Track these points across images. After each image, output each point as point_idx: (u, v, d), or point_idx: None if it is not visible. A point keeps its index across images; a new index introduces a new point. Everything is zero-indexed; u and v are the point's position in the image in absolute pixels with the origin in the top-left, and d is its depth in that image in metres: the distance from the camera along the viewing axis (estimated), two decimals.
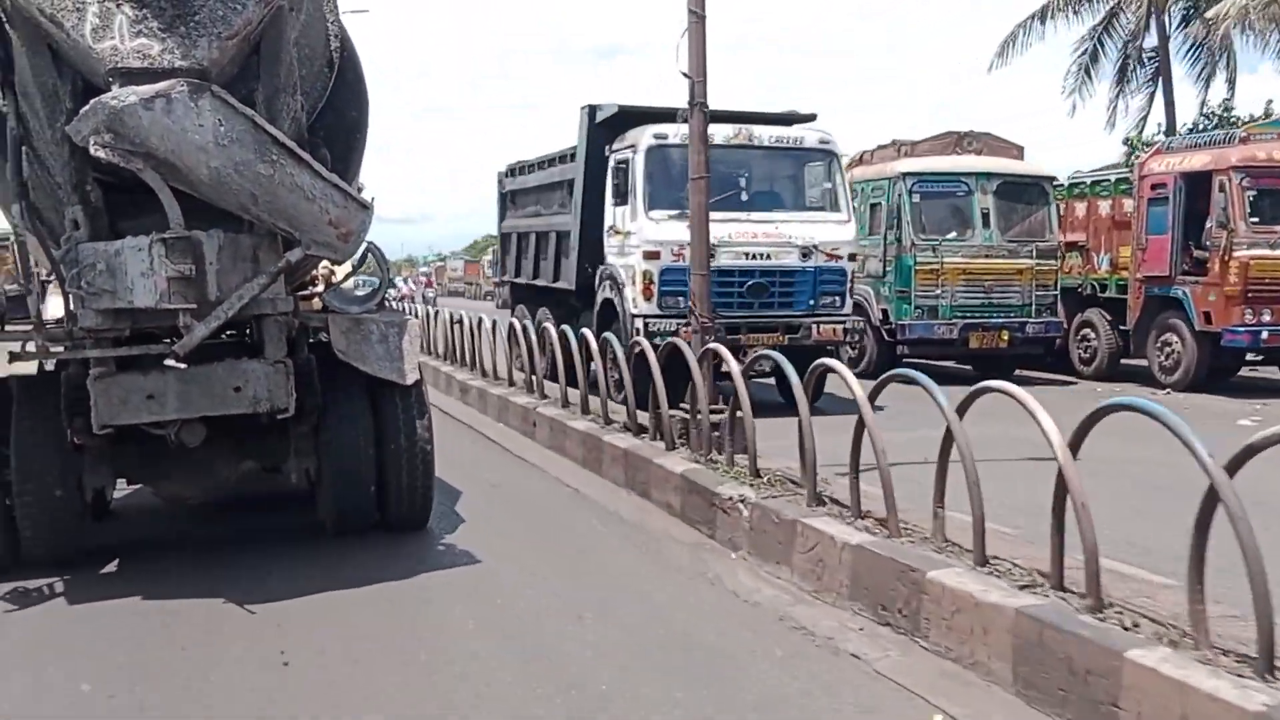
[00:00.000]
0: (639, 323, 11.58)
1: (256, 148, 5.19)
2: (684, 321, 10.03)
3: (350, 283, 8.60)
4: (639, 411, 8.87)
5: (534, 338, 11.93)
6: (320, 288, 8.10)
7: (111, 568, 6.39)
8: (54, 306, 6.63)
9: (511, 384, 12.70)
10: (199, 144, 5.06)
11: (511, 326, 12.84)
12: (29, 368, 6.08)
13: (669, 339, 9.02)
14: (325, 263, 7.18)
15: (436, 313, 18.10)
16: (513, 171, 16.95)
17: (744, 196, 12.06)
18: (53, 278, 6.68)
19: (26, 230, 5.44)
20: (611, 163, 12.42)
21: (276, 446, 6.73)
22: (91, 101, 4.96)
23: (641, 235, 11.75)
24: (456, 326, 15.78)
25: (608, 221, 12.57)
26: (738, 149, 12.10)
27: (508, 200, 17.11)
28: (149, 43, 5.05)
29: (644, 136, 11.91)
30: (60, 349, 5.64)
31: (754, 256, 11.75)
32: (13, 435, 5.95)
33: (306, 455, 6.75)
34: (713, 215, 10.16)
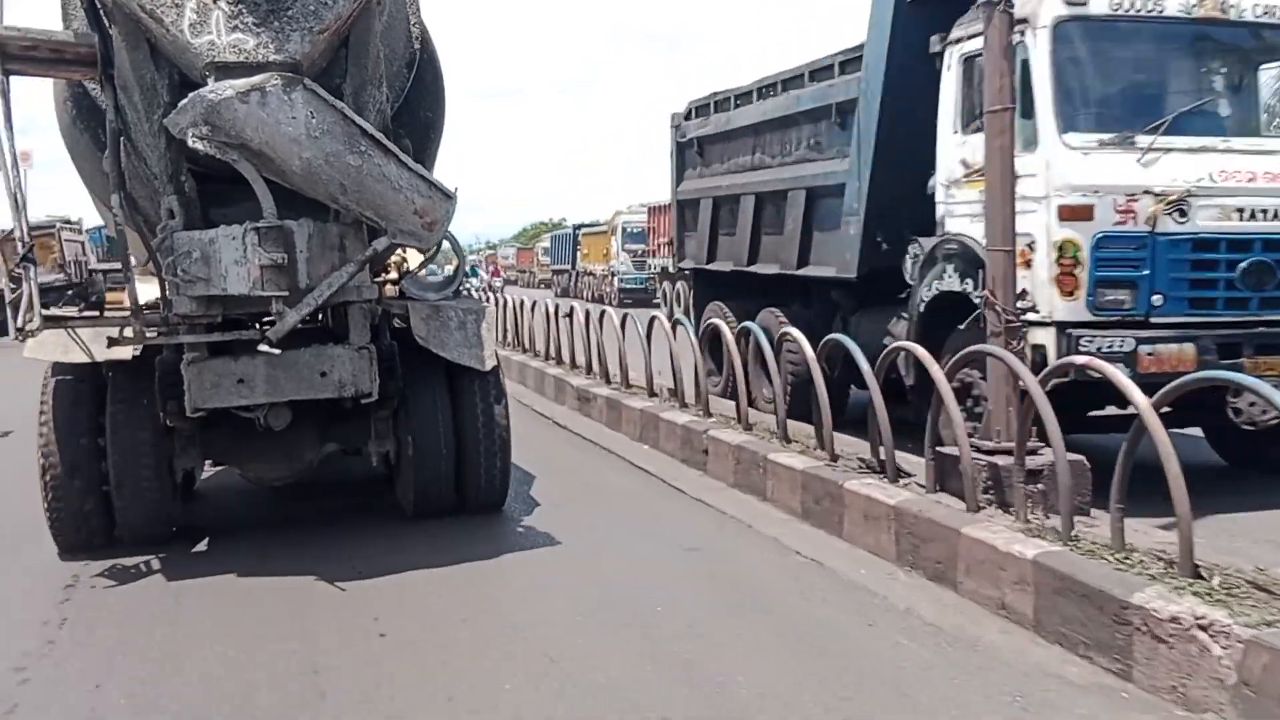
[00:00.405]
0: (1049, 335, 6.72)
1: (346, 139, 5.33)
2: (1144, 334, 6.53)
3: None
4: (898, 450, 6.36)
5: (688, 339, 9.39)
6: (393, 275, 8.28)
7: (202, 546, 6.61)
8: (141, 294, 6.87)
9: (653, 394, 9.98)
10: (292, 136, 5.21)
11: (678, 325, 9.78)
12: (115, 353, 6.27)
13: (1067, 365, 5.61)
14: (398, 250, 7.33)
15: (534, 304, 15.79)
16: (701, 110, 12.41)
17: (1223, 111, 7.56)
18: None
19: (125, 221, 5.61)
20: (956, 59, 7.70)
21: (357, 430, 6.90)
22: (189, 95, 5.13)
23: (1055, 176, 6.79)
24: (564, 320, 13.23)
25: (949, 156, 7.82)
26: (1203, 27, 7.25)
27: (691, 153, 12.68)
28: (244, 37, 5.21)
29: (1044, 3, 6.95)
30: (155, 334, 5.81)
31: (1254, 215, 6.85)
32: (108, 419, 6.18)
33: (386, 438, 6.92)
34: (1175, 142, 6.82)
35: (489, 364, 6.76)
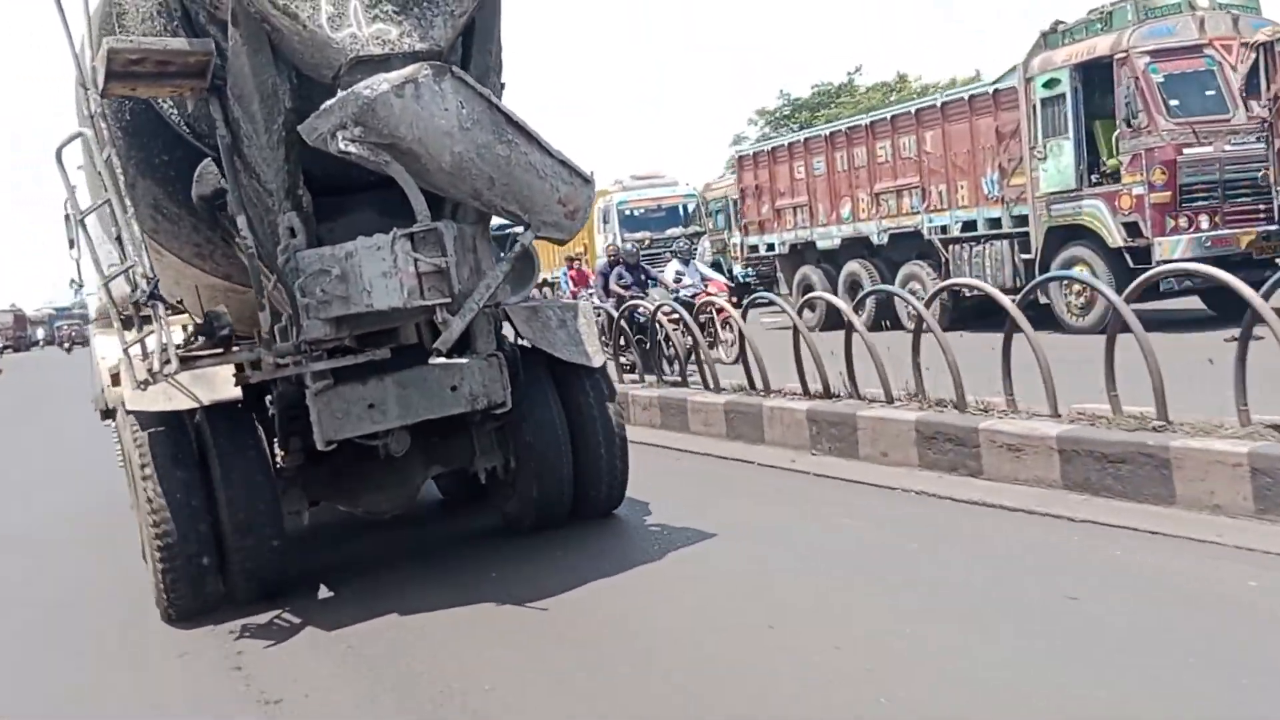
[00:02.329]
0: None
1: (494, 128, 4.99)
2: None
3: None
4: None
5: None
6: None
7: (325, 593, 6.09)
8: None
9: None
10: (445, 129, 4.83)
11: None
12: (222, 394, 5.72)
13: None
14: None
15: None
16: None
17: None
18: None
19: (249, 246, 5.10)
20: None
21: (462, 447, 6.52)
22: (339, 95, 4.69)
23: None
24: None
25: None
26: None
27: None
28: (386, 27, 4.79)
29: None
30: (287, 363, 5.32)
31: None
32: (217, 468, 5.62)
33: (491, 453, 6.56)
34: None
35: (597, 360, 6.50)
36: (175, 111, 5.48)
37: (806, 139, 18.35)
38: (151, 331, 4.98)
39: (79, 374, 28.95)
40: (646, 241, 25.21)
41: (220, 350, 5.49)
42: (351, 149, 4.70)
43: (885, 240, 16.38)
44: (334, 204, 5.51)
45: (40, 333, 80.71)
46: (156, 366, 4.90)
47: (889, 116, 16.37)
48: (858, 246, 17.02)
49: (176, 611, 5.71)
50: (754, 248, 20.08)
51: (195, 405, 5.47)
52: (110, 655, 5.55)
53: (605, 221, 27.09)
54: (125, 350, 5.13)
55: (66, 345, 62.13)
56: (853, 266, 16.89)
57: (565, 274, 18.97)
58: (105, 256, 10.50)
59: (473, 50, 5.28)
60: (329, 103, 4.71)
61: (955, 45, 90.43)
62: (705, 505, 6.90)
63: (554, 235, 5.42)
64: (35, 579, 7.38)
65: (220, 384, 5.55)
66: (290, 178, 5.14)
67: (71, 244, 11.53)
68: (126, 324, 5.13)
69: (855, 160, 16.87)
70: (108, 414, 10.62)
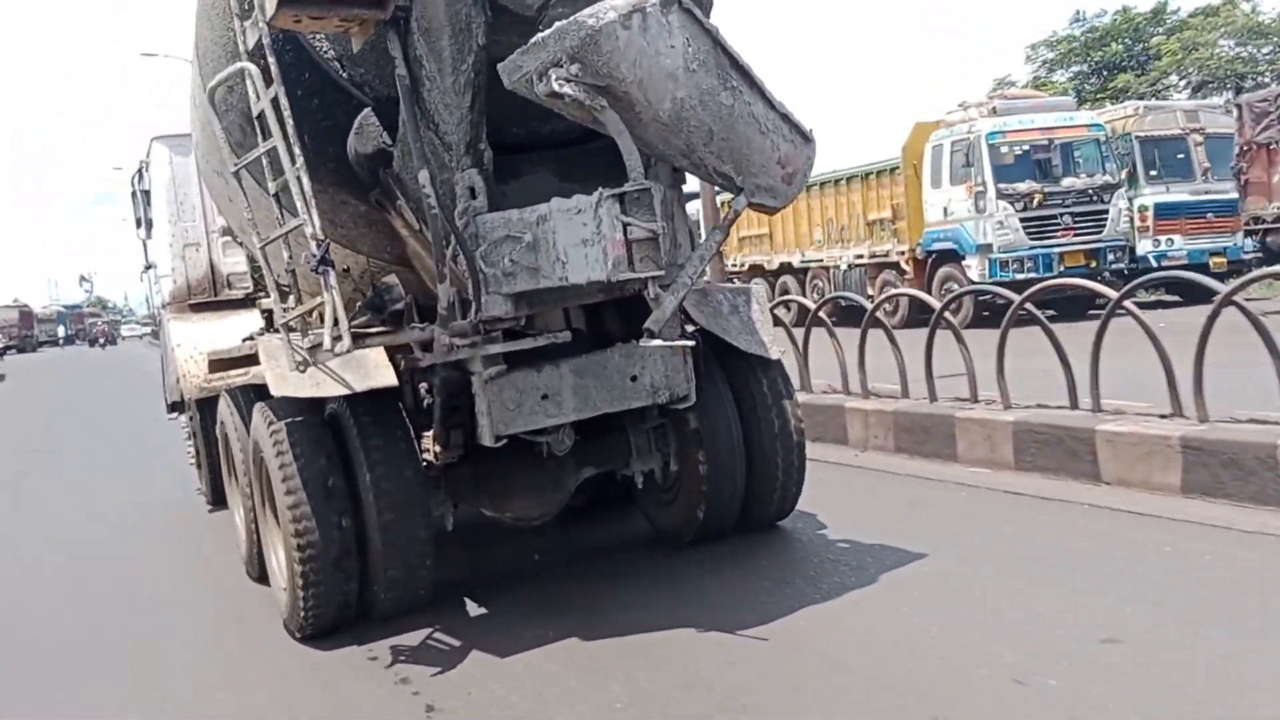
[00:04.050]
0: None
1: (719, 72, 4.24)
2: None
3: None
4: None
5: None
6: None
7: (477, 609, 5.36)
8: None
9: None
10: (669, 70, 4.09)
11: None
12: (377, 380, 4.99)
13: None
14: None
15: None
16: None
17: None
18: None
19: (432, 206, 4.36)
20: None
21: (618, 447, 5.81)
22: (556, 26, 3.96)
23: None
24: None
25: None
26: None
27: None
28: None
29: None
30: (466, 344, 4.60)
31: None
32: (364, 467, 4.89)
33: (648, 454, 5.84)
34: None
35: (775, 353, 5.77)
36: (324, 43, 4.76)
37: None
38: (319, 304, 4.24)
39: (118, 381, 27.13)
40: (1036, 198, 16.73)
41: (388, 329, 4.78)
42: (566, 90, 3.96)
43: None
44: (507, 164, 4.80)
45: (61, 330, 78.99)
46: (327, 344, 4.16)
47: None
48: None
49: (315, 627, 5.00)
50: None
51: (348, 392, 4.75)
52: (250, 683, 4.83)
53: (968, 163, 17.13)
54: (283, 325, 4.42)
55: (102, 341, 61.57)
56: None
57: None
58: (168, 233, 9.85)
59: None
60: (541, 35, 3.99)
61: None
62: None
63: (768, 202, 4.65)
64: (133, 598, 6.71)
65: (373, 369, 4.84)
66: (474, 129, 4.42)
67: (139, 223, 10.99)
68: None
69: None
70: (175, 406, 9.98)
